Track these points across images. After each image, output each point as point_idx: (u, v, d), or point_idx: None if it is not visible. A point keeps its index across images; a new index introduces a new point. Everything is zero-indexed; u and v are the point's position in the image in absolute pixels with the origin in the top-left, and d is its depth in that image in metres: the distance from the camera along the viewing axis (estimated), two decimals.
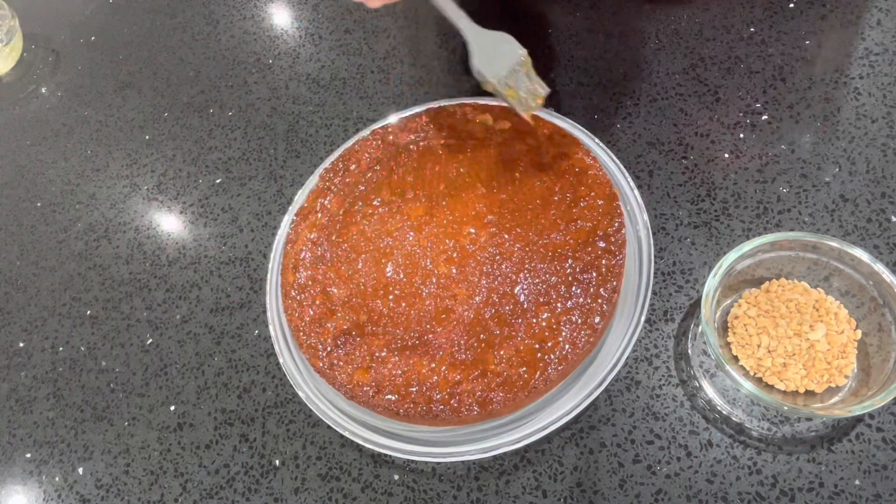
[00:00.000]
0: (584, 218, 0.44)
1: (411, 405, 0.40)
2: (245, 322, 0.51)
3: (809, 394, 0.39)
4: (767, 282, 0.42)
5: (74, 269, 0.59)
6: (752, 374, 0.40)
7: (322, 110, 0.62)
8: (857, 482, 0.37)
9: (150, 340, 0.53)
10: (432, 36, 0.64)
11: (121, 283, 0.56)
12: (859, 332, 0.40)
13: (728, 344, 0.41)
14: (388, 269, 0.45)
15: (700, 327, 0.40)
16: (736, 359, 0.41)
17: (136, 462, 0.47)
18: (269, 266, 0.50)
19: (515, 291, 0.42)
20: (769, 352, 0.40)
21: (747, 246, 0.40)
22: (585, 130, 0.50)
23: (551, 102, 0.56)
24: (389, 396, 0.41)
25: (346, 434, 0.42)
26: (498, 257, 0.44)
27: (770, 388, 0.39)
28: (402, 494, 0.42)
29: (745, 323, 0.41)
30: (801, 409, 0.36)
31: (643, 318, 0.41)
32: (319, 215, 0.50)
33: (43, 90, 0.74)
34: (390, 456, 0.43)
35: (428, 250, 0.45)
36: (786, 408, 0.36)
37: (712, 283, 0.39)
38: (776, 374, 0.39)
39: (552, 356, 0.40)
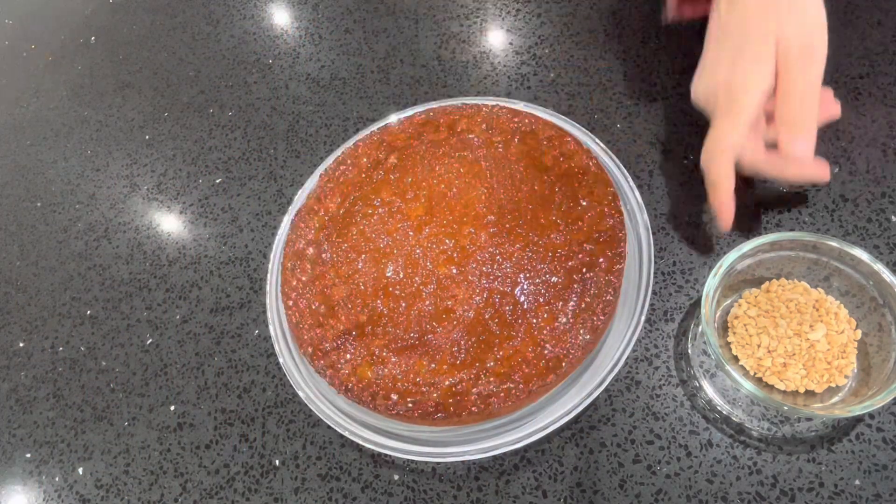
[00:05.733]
0: (584, 218, 0.44)
1: (411, 405, 0.40)
2: (245, 322, 0.51)
3: (809, 394, 0.39)
4: (767, 282, 0.42)
5: (74, 269, 0.59)
6: (752, 374, 0.40)
7: (322, 110, 0.62)
8: (857, 482, 0.37)
9: (150, 340, 0.53)
10: (432, 36, 0.64)
11: (121, 283, 0.57)
12: (859, 332, 0.40)
13: (728, 344, 0.41)
14: (388, 270, 0.45)
15: (700, 327, 0.40)
16: (736, 359, 0.41)
17: (136, 462, 0.47)
18: (269, 266, 0.50)
19: (515, 291, 0.42)
20: (769, 352, 0.40)
21: (747, 246, 0.40)
22: (585, 130, 0.50)
23: (551, 102, 0.56)
24: (389, 396, 0.41)
25: (346, 434, 0.42)
26: (498, 257, 0.44)
27: (770, 388, 0.39)
28: (402, 494, 0.42)
29: (745, 323, 0.41)
30: (802, 410, 0.36)
31: (643, 318, 0.41)
32: (319, 215, 0.50)
33: (43, 90, 0.74)
34: (390, 456, 0.43)
35: (428, 250, 0.45)
36: (786, 408, 0.36)
37: (712, 282, 0.39)
38: (776, 374, 0.39)
39: (552, 356, 0.40)
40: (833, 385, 0.38)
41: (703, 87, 0.43)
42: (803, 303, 0.40)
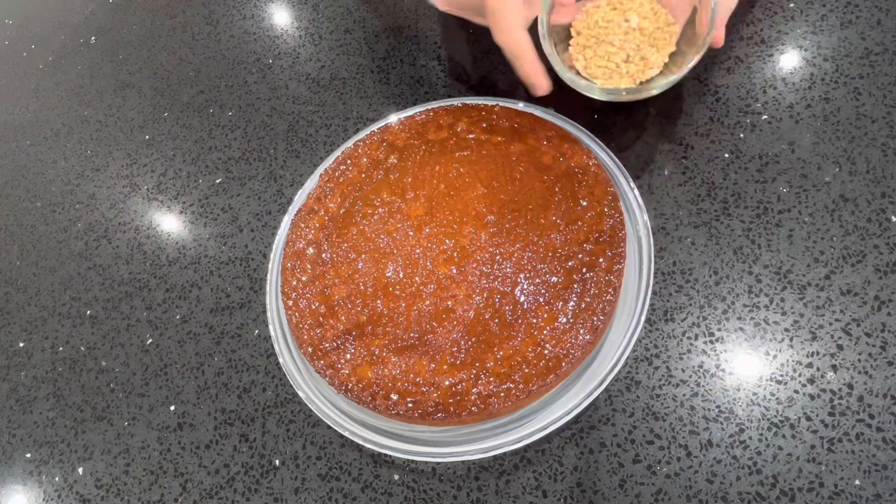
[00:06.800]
0: (584, 218, 0.44)
1: (411, 405, 0.40)
2: (245, 322, 0.51)
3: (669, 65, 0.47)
4: (577, 18, 0.48)
5: (74, 269, 0.59)
6: (624, 86, 0.46)
7: (322, 110, 0.62)
8: (857, 482, 0.37)
9: (150, 340, 0.53)
10: (432, 36, 0.64)
11: (121, 283, 0.57)
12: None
13: (584, 78, 0.48)
14: (388, 270, 0.45)
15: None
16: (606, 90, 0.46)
17: (136, 462, 0.47)
18: (269, 266, 0.50)
19: (515, 291, 0.42)
20: (626, 60, 0.46)
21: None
22: (585, 130, 0.50)
23: (551, 102, 0.56)
24: (389, 396, 0.41)
25: (346, 434, 0.42)
26: (498, 257, 0.44)
27: (648, 82, 0.46)
28: (402, 494, 0.42)
29: (583, 54, 0.47)
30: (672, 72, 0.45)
31: (643, 318, 0.41)
32: (319, 215, 0.50)
33: (43, 90, 0.74)
34: (390, 456, 0.43)
35: (428, 250, 0.45)
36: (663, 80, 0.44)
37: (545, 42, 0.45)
38: (641, 66, 0.46)
39: (552, 356, 0.40)
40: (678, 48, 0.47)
41: None
42: (608, 12, 0.47)
